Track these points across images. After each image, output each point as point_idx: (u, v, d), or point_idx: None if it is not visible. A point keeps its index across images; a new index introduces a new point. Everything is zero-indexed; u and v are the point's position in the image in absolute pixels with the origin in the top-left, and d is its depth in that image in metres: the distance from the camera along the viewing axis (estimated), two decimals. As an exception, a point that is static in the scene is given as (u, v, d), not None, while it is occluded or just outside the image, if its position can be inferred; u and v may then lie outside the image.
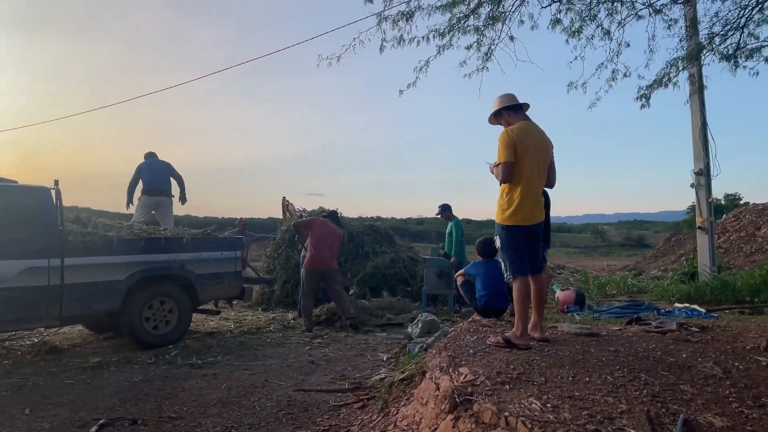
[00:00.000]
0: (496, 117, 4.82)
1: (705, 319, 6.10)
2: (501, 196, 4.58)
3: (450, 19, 6.81)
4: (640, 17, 6.63)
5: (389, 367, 6.43)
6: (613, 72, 7.02)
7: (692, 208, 36.64)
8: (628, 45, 6.72)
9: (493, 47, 6.94)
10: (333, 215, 9.39)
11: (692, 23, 8.89)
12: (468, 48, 7.28)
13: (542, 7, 6.34)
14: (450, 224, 10.41)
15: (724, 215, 19.99)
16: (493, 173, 4.68)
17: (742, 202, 46.24)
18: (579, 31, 7.11)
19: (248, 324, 9.23)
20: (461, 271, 6.35)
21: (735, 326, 5.50)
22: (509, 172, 4.43)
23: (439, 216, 10.64)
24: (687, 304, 7.54)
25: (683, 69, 8.03)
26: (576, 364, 4.03)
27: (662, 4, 6.31)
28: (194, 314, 8.21)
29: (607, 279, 10.74)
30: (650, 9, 6.28)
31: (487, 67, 7.10)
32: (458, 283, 6.24)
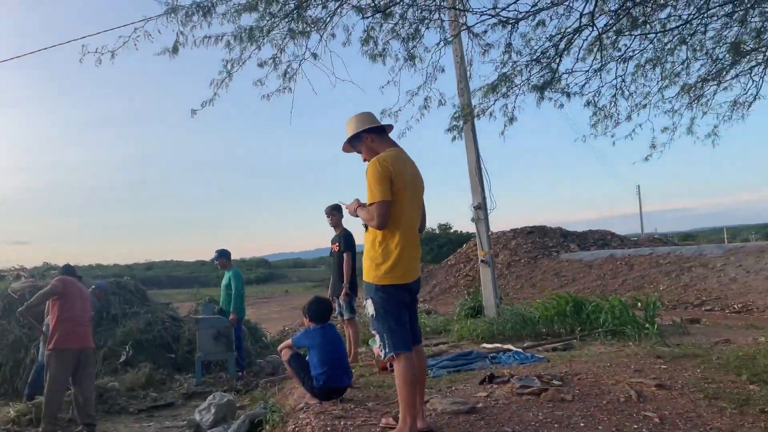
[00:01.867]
0: (353, 143, 3.72)
1: (540, 363, 5.70)
2: (372, 247, 3.47)
3: (238, 31, 5.51)
4: (447, 42, 6.19)
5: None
6: (426, 100, 6.49)
7: (425, 234, 39.86)
8: (443, 70, 6.25)
9: (293, 64, 5.82)
10: (70, 270, 6.96)
11: (462, 77, 8.86)
12: (261, 66, 6.04)
13: (363, 17, 5.43)
14: (227, 274, 8.82)
15: (465, 245, 21.51)
16: (358, 217, 3.55)
17: (452, 230, 51.92)
18: (381, 54, 6.39)
19: (-54, 438, 6.44)
20: (288, 342, 4.93)
21: (581, 371, 5.14)
22: (387, 213, 3.35)
23: (215, 263, 8.98)
24: (498, 345, 7.24)
25: (464, 121, 7.84)
26: (493, 465, 3.06)
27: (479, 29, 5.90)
28: None
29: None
30: (469, 33, 5.87)
31: (290, 88, 5.94)
32: (285, 358, 4.83)
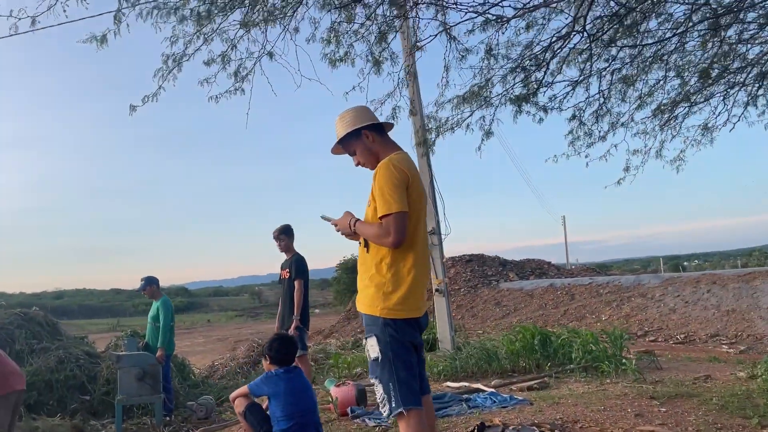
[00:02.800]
0: (347, 142, 3.03)
1: (524, 406, 5.05)
2: (379, 271, 2.77)
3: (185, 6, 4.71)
4: (419, 48, 5.58)
5: None
6: (394, 110, 5.83)
7: (341, 266, 38.42)
8: (416, 76, 5.65)
9: (248, 62, 5.05)
10: None
11: (416, 94, 8.34)
12: (208, 64, 5.22)
13: (329, 10, 4.73)
14: (156, 304, 7.75)
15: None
16: (353, 236, 2.86)
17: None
18: (344, 59, 5.71)
19: None
20: (243, 389, 4.02)
21: (577, 417, 4.54)
22: (406, 228, 2.68)
23: (142, 292, 7.89)
24: (465, 384, 6.56)
25: (420, 144, 7.28)
26: None
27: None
28: None
29: (351, 356, 9.31)
30: (447, 35, 5.26)
31: (243, 89, 5.15)
32: (239, 409, 3.92)
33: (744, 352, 10.99)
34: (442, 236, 9.21)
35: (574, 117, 6.06)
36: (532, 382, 6.26)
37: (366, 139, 2.96)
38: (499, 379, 6.83)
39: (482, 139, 5.92)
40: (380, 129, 3.03)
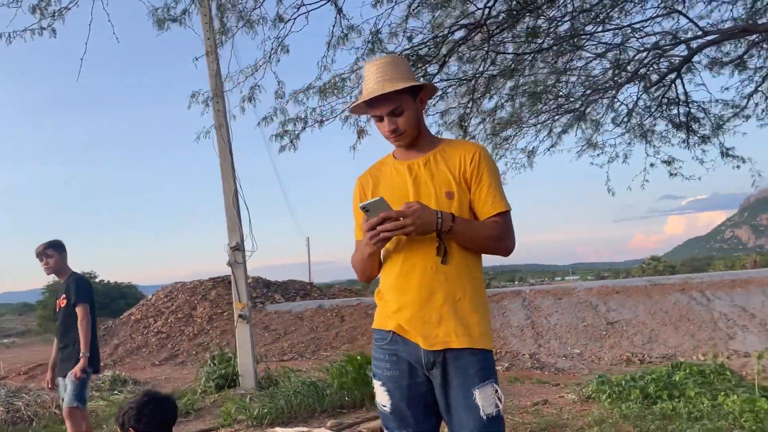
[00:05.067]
0: (391, 98, 1.97)
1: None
2: (477, 289, 1.99)
3: None
4: (281, 19, 4.46)
5: None
6: (253, 89, 4.53)
7: (48, 288, 32.64)
8: (288, 51, 4.47)
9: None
10: None
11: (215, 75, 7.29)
12: None
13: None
14: None
15: (153, 295, 18.42)
16: (440, 234, 1.92)
17: (98, 279, 46.05)
18: (179, 19, 4.36)
19: None
20: None
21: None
22: None
23: None
24: (302, 428, 5.47)
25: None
26: None
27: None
28: None
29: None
30: (334, 6, 4.21)
31: (53, 29, 3.44)
32: None
33: (509, 369, 11.76)
34: (247, 253, 7.98)
35: (461, 125, 5.55)
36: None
37: (420, 103, 2.08)
38: (331, 419, 5.92)
39: (358, 136, 5.04)
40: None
